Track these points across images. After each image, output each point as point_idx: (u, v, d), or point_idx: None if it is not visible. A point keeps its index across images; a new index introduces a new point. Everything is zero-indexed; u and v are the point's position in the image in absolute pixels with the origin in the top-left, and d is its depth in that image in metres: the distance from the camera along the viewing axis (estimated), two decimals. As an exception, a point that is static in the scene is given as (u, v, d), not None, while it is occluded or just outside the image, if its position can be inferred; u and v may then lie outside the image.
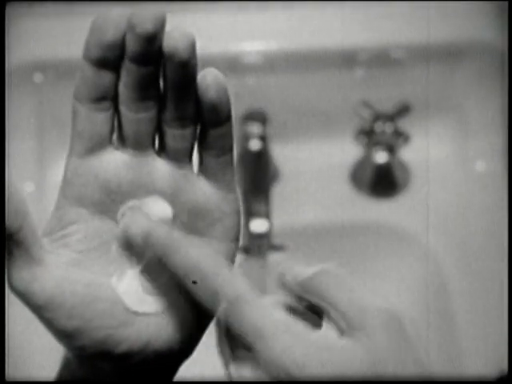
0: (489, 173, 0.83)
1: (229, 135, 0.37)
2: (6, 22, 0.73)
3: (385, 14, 0.80)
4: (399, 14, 0.79)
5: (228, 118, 0.36)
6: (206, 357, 0.66)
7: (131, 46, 0.33)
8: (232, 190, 0.38)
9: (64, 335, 0.35)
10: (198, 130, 0.37)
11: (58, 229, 0.36)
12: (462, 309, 0.78)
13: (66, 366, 0.39)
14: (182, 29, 0.33)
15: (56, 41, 0.77)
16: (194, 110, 0.35)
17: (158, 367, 0.37)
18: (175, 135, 0.36)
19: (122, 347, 0.36)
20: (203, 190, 0.37)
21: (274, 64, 0.81)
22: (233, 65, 0.80)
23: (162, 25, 0.33)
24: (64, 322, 0.34)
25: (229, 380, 0.37)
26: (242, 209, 0.39)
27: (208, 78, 0.35)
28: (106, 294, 0.36)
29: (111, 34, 0.33)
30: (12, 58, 0.76)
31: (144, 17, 0.32)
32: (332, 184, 0.84)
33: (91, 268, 0.36)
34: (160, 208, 0.37)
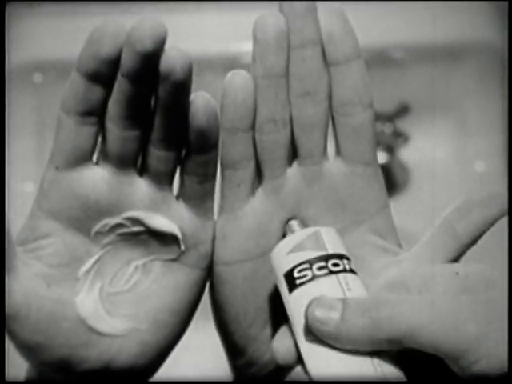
0: (489, 173, 0.83)
1: (213, 163, 0.36)
2: (6, 22, 0.73)
3: (385, 14, 0.80)
4: (399, 14, 0.79)
5: (215, 145, 0.35)
6: (207, 357, 0.66)
7: (128, 62, 0.32)
8: (210, 218, 0.37)
9: (25, 348, 0.34)
10: (183, 154, 0.36)
11: (31, 240, 0.35)
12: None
13: (27, 371, 0.38)
14: (180, 49, 0.32)
15: (56, 41, 0.77)
16: (182, 133, 0.34)
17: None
18: (159, 157, 0.35)
19: (82, 367, 0.35)
20: (181, 215, 0.36)
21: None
22: (233, 65, 0.80)
23: (162, 43, 0.31)
24: (27, 335, 0.34)
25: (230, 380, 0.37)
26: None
27: (199, 102, 0.33)
28: (72, 313, 0.35)
29: (108, 48, 0.32)
30: (12, 58, 0.75)
31: (144, 34, 0.31)
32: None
33: (60, 283, 0.35)
34: (166, 223, 0.36)
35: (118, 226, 0.36)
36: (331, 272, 0.34)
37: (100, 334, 0.35)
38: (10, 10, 0.75)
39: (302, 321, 0.33)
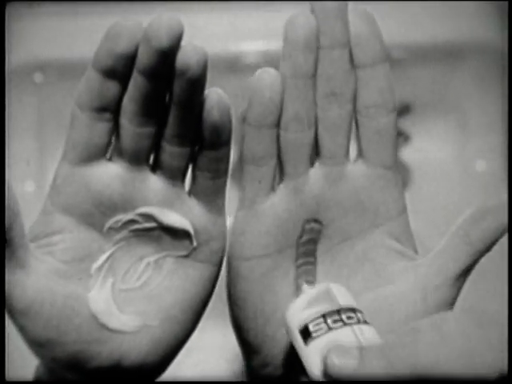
0: (489, 173, 0.83)
1: (225, 159, 0.36)
2: (6, 22, 0.73)
3: (385, 14, 0.79)
4: (399, 14, 0.79)
5: (227, 141, 0.35)
6: (207, 357, 0.66)
7: (144, 58, 0.32)
8: (222, 214, 0.37)
9: (37, 344, 0.34)
10: (196, 150, 0.36)
11: (44, 235, 0.35)
12: (462, 308, 0.78)
13: (36, 370, 0.38)
14: (196, 45, 0.32)
15: (56, 41, 0.77)
16: (195, 129, 0.34)
17: (127, 382, 0.37)
18: (173, 153, 0.35)
19: (93, 363, 0.35)
20: (193, 211, 0.36)
21: (273, 64, 0.81)
22: (233, 65, 0.80)
23: (178, 40, 0.31)
24: (39, 331, 0.34)
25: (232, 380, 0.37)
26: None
27: (213, 98, 0.34)
28: (84, 309, 0.35)
29: (125, 44, 0.32)
30: (12, 58, 0.75)
31: (161, 31, 0.31)
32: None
33: (72, 279, 0.35)
34: (178, 219, 0.36)
35: (130, 222, 0.36)
36: (346, 324, 0.35)
37: (111, 330, 0.35)
38: (10, 10, 0.75)
39: (320, 370, 0.34)
